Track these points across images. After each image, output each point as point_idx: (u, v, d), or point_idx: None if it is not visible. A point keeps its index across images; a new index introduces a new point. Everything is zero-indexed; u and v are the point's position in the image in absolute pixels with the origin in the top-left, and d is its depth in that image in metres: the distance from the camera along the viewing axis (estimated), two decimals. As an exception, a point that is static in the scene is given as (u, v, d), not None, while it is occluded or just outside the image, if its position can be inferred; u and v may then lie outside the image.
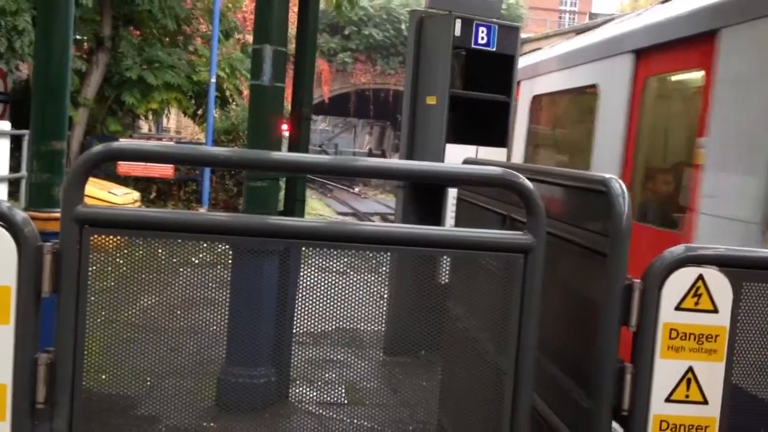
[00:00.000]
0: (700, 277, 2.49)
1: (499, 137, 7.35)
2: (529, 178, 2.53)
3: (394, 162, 2.73)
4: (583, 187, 2.85)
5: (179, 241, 2.67)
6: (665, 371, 2.52)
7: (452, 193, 6.39)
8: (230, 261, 5.75)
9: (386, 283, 7.62)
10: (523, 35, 10.87)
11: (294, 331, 6.45)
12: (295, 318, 6.37)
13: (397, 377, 7.06)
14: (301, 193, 6.18)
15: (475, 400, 3.58)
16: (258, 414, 5.66)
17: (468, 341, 4.00)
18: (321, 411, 6.13)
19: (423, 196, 7.01)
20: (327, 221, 2.95)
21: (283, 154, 3.18)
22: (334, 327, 8.31)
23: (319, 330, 8.18)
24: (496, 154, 7.12)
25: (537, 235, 2.44)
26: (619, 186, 2.54)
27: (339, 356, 7.57)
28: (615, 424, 2.65)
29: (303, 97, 6.25)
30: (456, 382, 4.59)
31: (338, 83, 41.18)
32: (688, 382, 2.54)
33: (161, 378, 3.53)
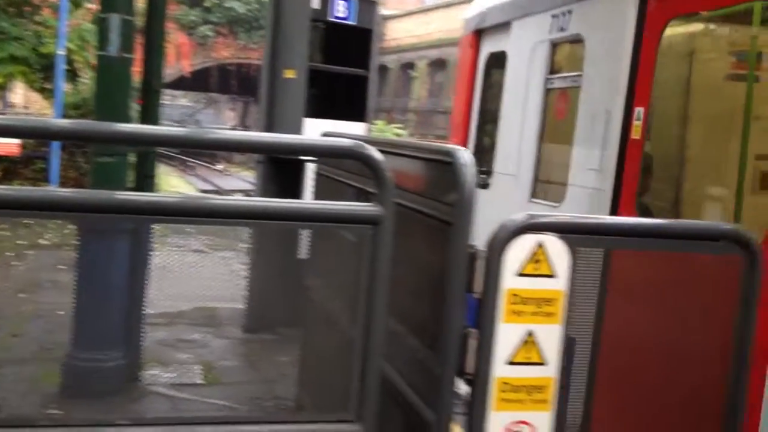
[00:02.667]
0: (540, 244, 2.60)
1: (360, 112, 7.40)
2: (380, 150, 2.55)
3: (243, 134, 2.68)
4: (431, 159, 2.90)
5: (18, 220, 2.50)
6: (507, 335, 2.63)
7: (313, 168, 6.38)
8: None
9: (246, 260, 7.53)
10: (385, 12, 10.48)
11: (148, 312, 6.27)
12: (149, 299, 6.23)
13: (256, 354, 7.03)
14: (150, 168, 5.97)
15: (331, 372, 3.61)
16: (108, 398, 5.48)
17: (325, 314, 4.02)
18: (174, 392, 6.01)
19: (282, 171, 6.96)
20: (179, 195, 2.85)
21: (129, 125, 3.06)
22: (191, 307, 8.16)
23: (175, 310, 8.01)
24: (357, 128, 7.17)
25: (385, 206, 2.47)
26: (464, 156, 2.61)
27: (195, 336, 7.45)
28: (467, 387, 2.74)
29: (153, 68, 6.03)
30: (314, 356, 4.61)
31: (199, 57, 40.12)
32: (528, 344, 2.65)
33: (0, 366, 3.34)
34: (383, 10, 47.55)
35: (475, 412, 2.66)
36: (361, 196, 3.60)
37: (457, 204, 2.57)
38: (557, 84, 6.28)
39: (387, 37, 50.50)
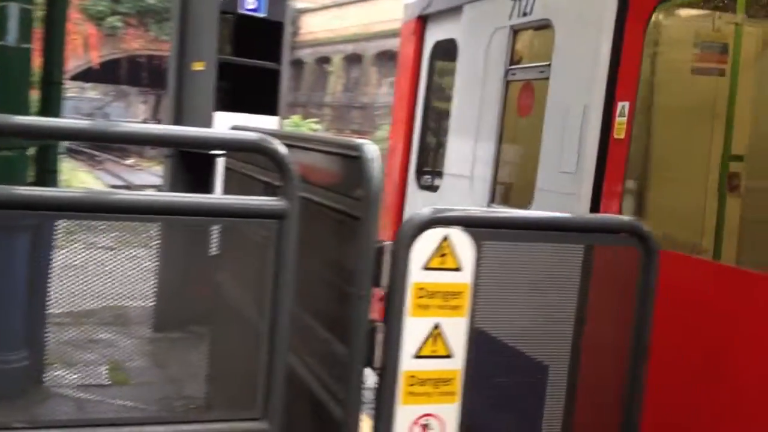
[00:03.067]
0: (446, 237, 2.62)
1: (272, 105, 7.32)
2: (286, 144, 2.52)
3: (145, 127, 2.60)
4: (339, 153, 2.89)
5: None
6: (414, 329, 2.64)
7: (223, 162, 6.27)
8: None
9: (156, 257, 7.35)
10: (300, 5, 10.22)
11: (52, 311, 6.05)
12: (54, 298, 6.00)
13: (166, 353, 6.86)
14: (53, 163, 5.76)
15: (240, 369, 3.56)
16: (10, 401, 5.26)
17: (235, 311, 3.97)
18: (80, 394, 5.82)
19: (192, 166, 6.83)
20: (83, 190, 2.75)
21: (29, 118, 2.93)
22: (99, 306, 7.88)
23: (82, 309, 7.75)
24: (269, 122, 7.09)
25: (290, 201, 2.44)
26: (371, 151, 2.61)
27: (102, 336, 7.22)
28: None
29: (54, 59, 5.81)
30: (224, 353, 4.54)
31: (108, 48, 39.00)
32: (435, 338, 2.67)
33: None
34: (298, 4, 47.28)
35: (383, 406, 2.67)
36: (269, 190, 3.56)
37: (364, 198, 2.57)
38: (520, 76, 5.59)
39: (302, 31, 50.21)
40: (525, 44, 5.86)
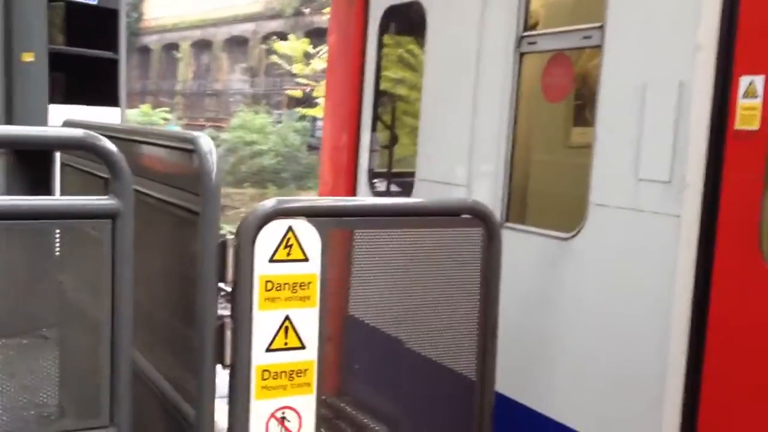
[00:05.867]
0: (290, 228, 2.59)
1: (113, 97, 7.03)
2: (119, 139, 2.41)
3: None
4: (175, 147, 2.79)
5: None
6: (264, 323, 2.60)
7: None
8: None
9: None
10: None
11: None
12: None
13: (14, 361, 6.47)
14: None
15: (85, 373, 3.41)
16: None
17: (79, 313, 3.79)
18: None
19: (28, 163, 6.45)
20: None
21: None
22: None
23: None
24: (110, 113, 6.80)
25: (124, 199, 2.34)
26: (207, 143, 2.53)
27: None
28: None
29: None
30: (72, 357, 4.34)
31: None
32: (286, 330, 2.65)
33: None
34: (141, -11, 45.60)
35: (237, 402, 2.63)
36: (108, 186, 3.40)
37: (203, 193, 2.49)
38: (544, 45, 4.01)
39: (147, 17, 48.46)
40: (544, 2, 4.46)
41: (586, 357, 3.37)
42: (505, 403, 3.53)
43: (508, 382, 3.45)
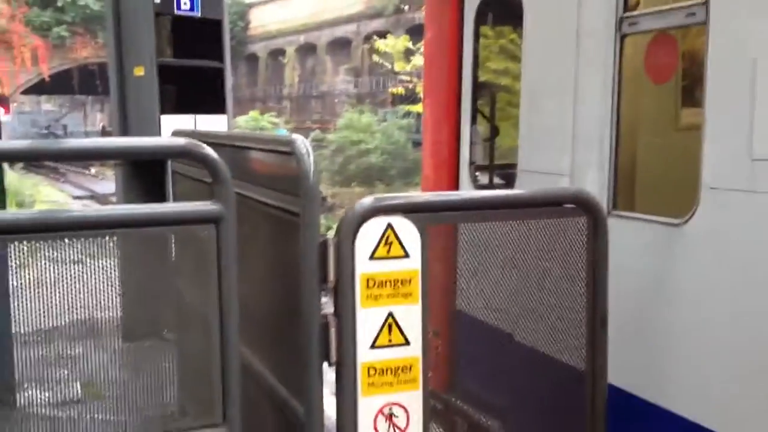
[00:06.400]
0: (389, 226, 2.59)
1: (220, 105, 7.25)
2: (217, 145, 2.48)
3: (58, 142, 2.50)
4: (272, 150, 2.84)
5: None
6: (367, 320, 2.62)
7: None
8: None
9: (119, 267, 7.25)
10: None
11: (18, 330, 5.93)
12: (18, 316, 5.88)
13: (138, 363, 6.78)
14: (-1, 183, 5.65)
15: (200, 373, 3.52)
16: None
17: (194, 315, 3.93)
18: (54, 412, 5.72)
19: (142, 172, 6.73)
20: (33, 211, 2.70)
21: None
22: (65, 321, 7.76)
23: (49, 326, 7.59)
24: (217, 121, 7.02)
25: (226, 204, 2.40)
26: (304, 145, 2.56)
27: (72, 351, 7.11)
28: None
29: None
30: (189, 358, 4.50)
31: (57, 60, 38.37)
32: (390, 327, 2.65)
33: None
34: (245, -1, 46.79)
35: (344, 400, 2.65)
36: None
37: (302, 194, 2.53)
38: (646, 25, 3.88)
39: (253, 25, 49.78)
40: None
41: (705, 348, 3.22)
42: (619, 396, 3.42)
43: (622, 375, 3.34)
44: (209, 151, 2.36)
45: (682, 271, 3.31)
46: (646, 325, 3.46)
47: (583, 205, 2.86)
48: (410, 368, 2.71)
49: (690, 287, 3.27)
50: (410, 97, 30.77)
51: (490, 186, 5.17)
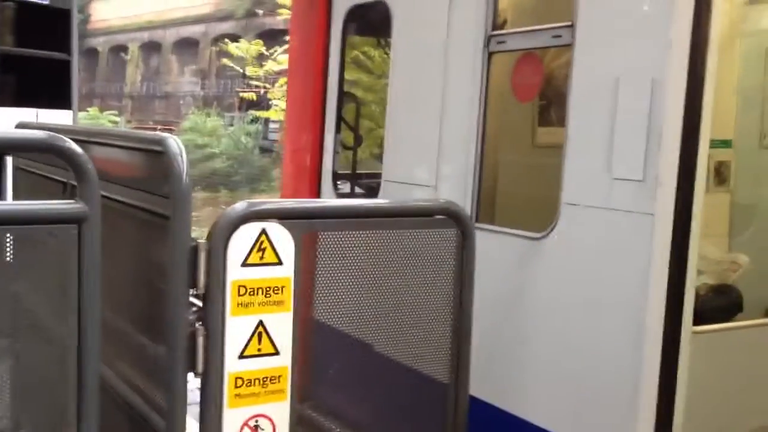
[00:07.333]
0: (263, 232, 2.52)
1: (65, 99, 6.84)
2: (82, 140, 2.31)
3: None
4: (141, 148, 2.70)
5: None
6: (237, 328, 2.52)
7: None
8: None
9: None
10: None
11: None
12: None
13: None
14: None
15: (44, 383, 3.28)
16: None
17: (33, 322, 3.65)
18: None
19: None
20: None
21: None
22: None
23: None
24: (61, 116, 6.62)
25: (90, 203, 2.23)
26: (176, 145, 2.44)
27: None
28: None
29: None
30: (29, 368, 4.19)
31: None
32: (260, 336, 2.57)
33: None
34: (88, -10, 44.75)
35: (209, 411, 2.55)
36: (66, 190, 3.28)
37: (173, 196, 2.40)
38: (513, 44, 3.93)
39: (93, 18, 47.62)
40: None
41: (558, 358, 3.37)
42: (479, 407, 3.50)
43: (481, 385, 3.41)
44: (73, 146, 2.19)
45: (541, 284, 3.44)
46: (505, 336, 3.57)
47: (453, 216, 2.91)
48: (279, 378, 2.64)
49: (547, 300, 3.41)
50: (261, 103, 30.45)
51: (352, 195, 5.18)
